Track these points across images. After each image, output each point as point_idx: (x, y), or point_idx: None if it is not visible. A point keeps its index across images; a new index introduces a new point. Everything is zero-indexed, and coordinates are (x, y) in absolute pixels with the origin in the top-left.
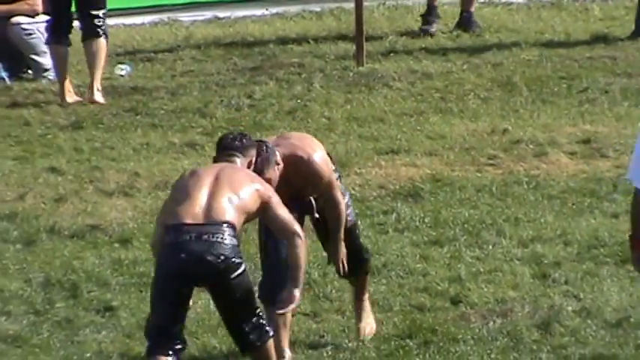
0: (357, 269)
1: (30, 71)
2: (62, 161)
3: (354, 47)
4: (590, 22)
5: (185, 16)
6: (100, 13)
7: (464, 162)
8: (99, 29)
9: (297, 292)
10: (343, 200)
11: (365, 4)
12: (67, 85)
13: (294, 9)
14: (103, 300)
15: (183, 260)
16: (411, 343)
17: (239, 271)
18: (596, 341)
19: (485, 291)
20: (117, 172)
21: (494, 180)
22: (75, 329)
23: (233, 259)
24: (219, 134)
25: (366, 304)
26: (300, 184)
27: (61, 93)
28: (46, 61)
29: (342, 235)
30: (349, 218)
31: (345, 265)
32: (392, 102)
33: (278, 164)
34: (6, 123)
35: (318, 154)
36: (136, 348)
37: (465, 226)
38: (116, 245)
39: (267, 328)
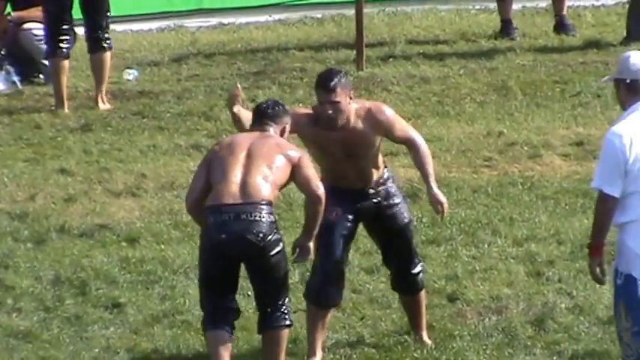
0: (412, 285)
1: (41, 76)
2: (72, 163)
3: (355, 52)
4: (583, 28)
5: (191, 23)
6: (104, 23)
7: (460, 164)
8: (104, 43)
9: (310, 245)
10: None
11: (365, 10)
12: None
13: (296, 15)
14: (111, 297)
15: (224, 241)
16: (409, 339)
17: (278, 248)
18: (589, 337)
19: (480, 289)
20: (124, 173)
21: (490, 181)
22: (84, 325)
23: (271, 237)
24: (224, 137)
25: (425, 336)
26: (367, 136)
27: (60, 101)
28: None
29: (431, 172)
30: (405, 214)
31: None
32: (391, 105)
33: (351, 98)
34: (17, 126)
35: (386, 106)
36: (143, 344)
37: (462, 225)
38: (124, 244)
39: (287, 316)
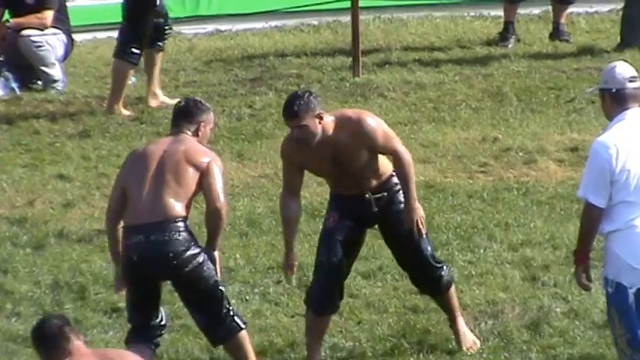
0: (434, 287)
1: (39, 82)
2: (70, 168)
3: (351, 59)
4: (577, 34)
5: (188, 29)
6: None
7: (456, 169)
8: (162, 43)
9: (215, 254)
10: (407, 152)
11: (361, 17)
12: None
13: (292, 22)
14: (110, 301)
15: (136, 263)
16: (406, 344)
17: (194, 263)
18: (584, 341)
19: (476, 293)
20: None
21: (486, 186)
22: (83, 330)
23: (185, 254)
24: (221, 143)
25: (461, 325)
26: (352, 148)
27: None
28: (55, 72)
29: (413, 188)
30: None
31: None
32: (387, 111)
33: (321, 117)
34: (16, 132)
35: (369, 116)
36: None
37: (457, 230)
38: None
39: (237, 321)
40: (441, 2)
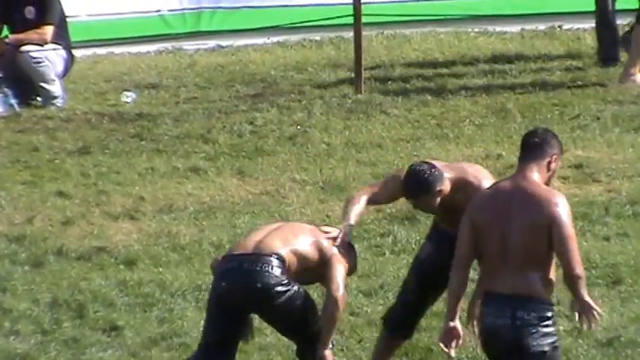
0: None
1: (39, 98)
2: (69, 185)
3: (353, 75)
4: (582, 50)
5: (189, 45)
6: None
7: None
8: None
9: (327, 352)
10: None
11: (364, 33)
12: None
13: (294, 38)
14: (109, 320)
15: (223, 288)
16: None
17: (280, 299)
18: None
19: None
20: (122, 196)
21: None
22: (81, 348)
23: (273, 288)
24: (222, 160)
25: None
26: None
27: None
28: (55, 88)
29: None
30: None
31: None
32: (389, 128)
33: (440, 192)
34: (15, 148)
35: (487, 183)
36: None
37: None
38: (122, 267)
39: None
40: (445, 18)
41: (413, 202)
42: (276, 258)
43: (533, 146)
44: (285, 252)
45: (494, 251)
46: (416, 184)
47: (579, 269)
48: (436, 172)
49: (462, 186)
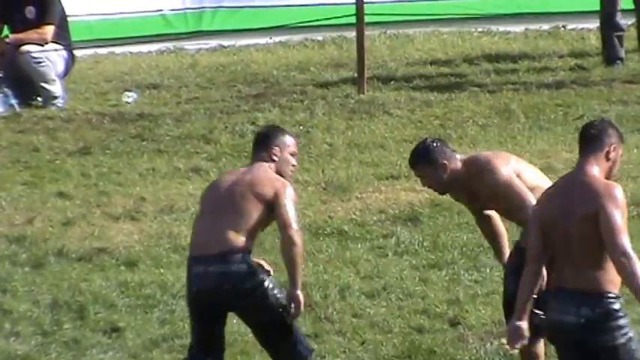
0: None
1: (39, 98)
2: (70, 186)
3: (356, 75)
4: (586, 50)
5: (190, 45)
6: None
7: None
8: None
9: (298, 293)
10: (528, 199)
11: (366, 33)
12: None
13: (296, 38)
14: (110, 321)
15: (196, 293)
16: None
17: (256, 294)
18: None
19: (482, 313)
20: (123, 196)
21: None
22: (82, 350)
23: (244, 286)
24: (224, 160)
25: None
26: (479, 189)
27: None
28: (55, 88)
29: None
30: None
31: None
32: (392, 129)
33: (444, 166)
34: (15, 149)
35: (499, 161)
36: None
37: (464, 249)
38: (122, 268)
39: (302, 352)
40: (449, 18)
41: (416, 174)
42: (238, 253)
43: (590, 138)
44: (244, 239)
45: (559, 247)
46: (416, 152)
47: (624, 259)
48: (441, 146)
49: (476, 170)
